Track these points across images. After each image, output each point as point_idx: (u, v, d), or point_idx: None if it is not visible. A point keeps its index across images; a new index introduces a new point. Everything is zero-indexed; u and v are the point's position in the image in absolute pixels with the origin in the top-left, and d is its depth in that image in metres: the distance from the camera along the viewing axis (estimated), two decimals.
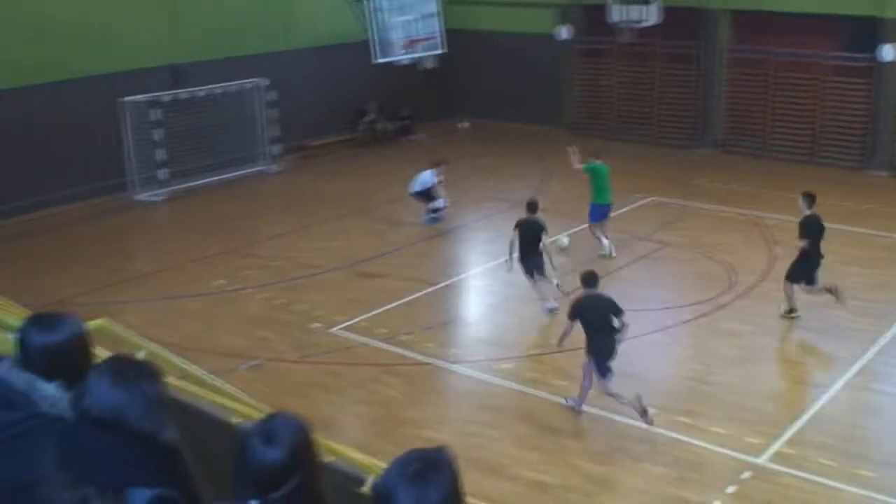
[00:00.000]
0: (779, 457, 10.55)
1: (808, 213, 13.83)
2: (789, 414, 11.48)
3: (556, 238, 16.61)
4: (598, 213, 17.10)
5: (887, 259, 16.47)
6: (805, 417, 11.38)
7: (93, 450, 2.89)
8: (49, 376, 3.40)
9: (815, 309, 14.29)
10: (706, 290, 15.27)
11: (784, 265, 14.39)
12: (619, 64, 25.73)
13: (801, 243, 13.66)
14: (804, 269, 13.75)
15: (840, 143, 22.77)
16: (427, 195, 19.52)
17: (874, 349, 13.02)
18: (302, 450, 2.81)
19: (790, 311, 13.97)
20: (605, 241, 16.88)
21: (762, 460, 10.48)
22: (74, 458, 2.89)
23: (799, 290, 13.88)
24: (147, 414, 2.95)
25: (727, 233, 18.03)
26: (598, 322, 11.13)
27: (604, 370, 11.08)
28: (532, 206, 14.83)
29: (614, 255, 16.80)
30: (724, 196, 20.49)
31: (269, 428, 2.80)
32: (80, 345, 3.49)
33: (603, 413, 11.50)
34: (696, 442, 10.86)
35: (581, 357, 11.46)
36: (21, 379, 3.40)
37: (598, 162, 17.21)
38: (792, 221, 14.50)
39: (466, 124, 26.92)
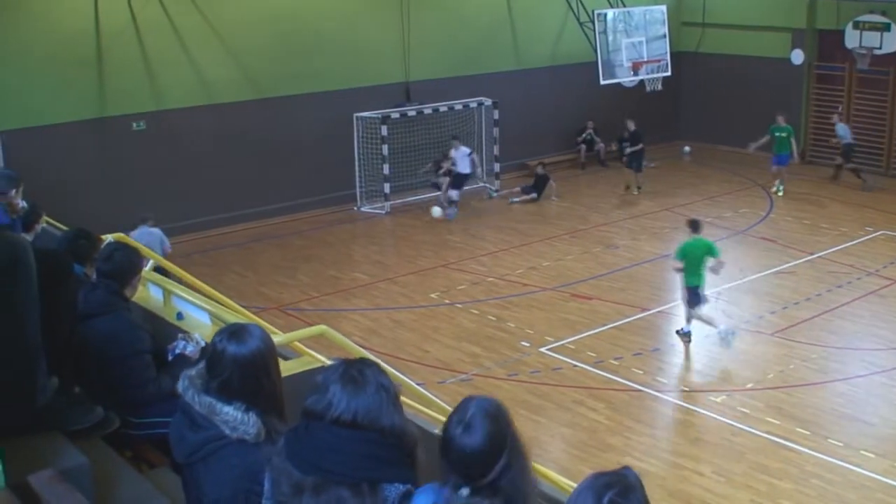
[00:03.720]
0: None
1: None
2: None
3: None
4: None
5: None
6: None
7: (343, 449, 2.98)
8: (230, 392, 3.54)
9: None
10: None
11: None
12: (854, 90, 24.56)
13: None
14: None
15: None
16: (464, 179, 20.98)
17: None
18: (498, 433, 2.86)
19: None
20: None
21: None
22: (324, 459, 3.00)
23: None
24: (392, 410, 3.04)
25: None
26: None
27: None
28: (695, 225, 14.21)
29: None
30: None
31: (465, 416, 2.87)
32: (265, 359, 3.57)
33: (820, 456, 11.02)
34: None
35: (796, 396, 11.02)
36: (202, 402, 3.56)
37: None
38: None
39: (688, 149, 26.40)
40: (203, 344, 5.13)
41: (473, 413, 2.87)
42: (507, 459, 2.84)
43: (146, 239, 12.99)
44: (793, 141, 22.09)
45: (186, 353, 5.12)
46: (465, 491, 2.82)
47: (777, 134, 22.04)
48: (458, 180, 21.06)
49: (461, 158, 20.88)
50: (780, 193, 22.09)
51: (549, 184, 22.36)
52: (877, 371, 13.17)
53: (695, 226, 14.00)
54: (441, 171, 21.37)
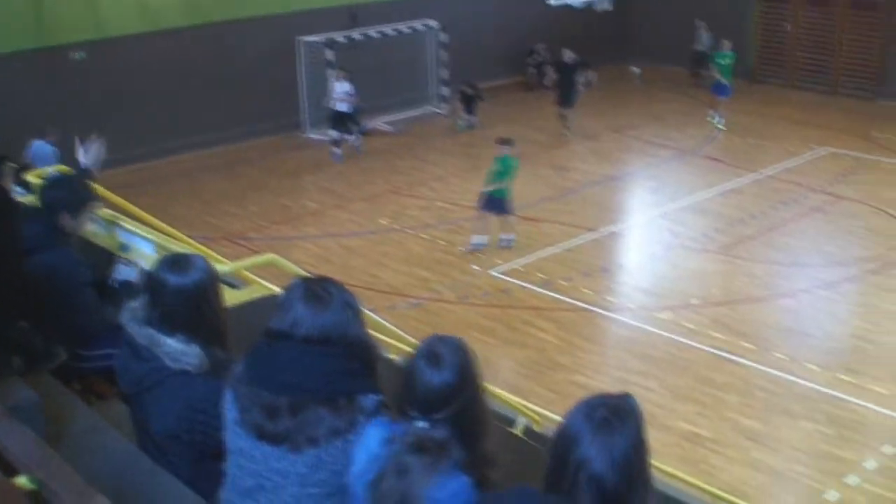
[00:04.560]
0: None
1: None
2: None
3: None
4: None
5: None
6: None
7: (313, 366, 2.99)
8: (171, 324, 3.53)
9: None
10: (879, 247, 14.69)
11: None
12: (800, 9, 24.64)
13: None
14: None
15: None
16: (342, 119, 19.34)
17: None
18: (466, 371, 2.89)
19: None
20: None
21: None
22: (296, 377, 2.99)
23: None
24: (356, 323, 3.07)
25: None
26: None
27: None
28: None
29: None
30: None
31: (435, 351, 2.89)
32: (207, 290, 3.56)
33: (765, 369, 11.32)
34: (855, 401, 10.58)
35: (741, 311, 11.25)
36: (144, 334, 3.56)
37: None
38: None
39: (638, 70, 26.37)
40: (146, 269, 5.10)
41: (443, 351, 2.89)
42: (468, 396, 2.87)
43: (39, 152, 12.77)
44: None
45: (131, 279, 5.09)
46: (422, 424, 2.85)
47: (720, 61, 21.18)
48: (336, 119, 19.41)
49: (338, 94, 19.21)
50: (722, 127, 21.10)
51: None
52: (820, 286, 13.47)
53: (506, 142, 14.71)
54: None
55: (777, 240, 15.26)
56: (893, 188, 17.15)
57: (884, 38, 23.21)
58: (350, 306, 3.07)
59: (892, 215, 15.84)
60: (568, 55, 20.78)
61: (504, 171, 14.55)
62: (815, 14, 24.40)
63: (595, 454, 2.45)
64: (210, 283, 3.60)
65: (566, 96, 20.69)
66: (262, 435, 3.02)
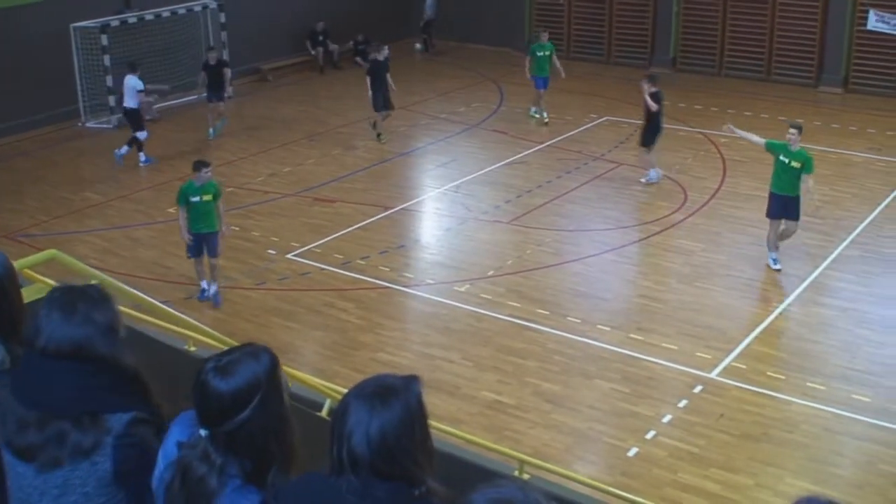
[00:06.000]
0: (730, 371, 10.80)
1: (653, 89, 16.11)
2: (740, 329, 11.71)
3: None
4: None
5: (836, 175, 16.67)
6: (756, 332, 11.64)
7: (60, 382, 2.87)
8: None
9: (767, 225, 14.51)
10: (659, 209, 15.41)
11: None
12: None
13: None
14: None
15: (794, 59, 22.81)
16: (133, 117, 17.82)
17: (824, 265, 13.26)
18: (256, 385, 2.67)
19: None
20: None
21: (713, 375, 10.73)
22: (42, 393, 2.87)
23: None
24: (105, 340, 2.93)
25: (681, 151, 18.12)
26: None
27: None
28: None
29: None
30: (679, 114, 20.51)
31: (226, 361, 2.71)
32: (4, 284, 3.35)
33: (561, 333, 11.66)
34: (648, 358, 11.08)
35: (535, 279, 11.53)
36: None
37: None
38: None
39: (419, 45, 26.59)
40: None
41: (235, 360, 2.70)
42: (254, 413, 2.66)
43: None
44: (555, 58, 19.98)
45: None
46: (202, 432, 2.70)
47: (539, 53, 19.89)
48: (128, 117, 17.95)
49: (128, 91, 17.77)
50: (547, 120, 19.98)
51: (225, 73, 19.14)
52: (607, 250, 14.00)
53: (197, 165, 12.33)
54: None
55: (564, 207, 15.75)
56: (670, 152, 17.91)
57: (655, 9, 24.29)
58: (93, 321, 2.92)
59: (669, 178, 16.63)
60: (384, 52, 19.02)
61: (209, 201, 12.26)
62: None
63: (354, 429, 2.45)
64: (6, 276, 3.35)
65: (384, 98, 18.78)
66: (14, 451, 2.91)
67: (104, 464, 2.87)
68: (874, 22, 21.20)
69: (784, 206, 13.02)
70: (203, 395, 2.68)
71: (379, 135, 18.96)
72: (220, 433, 2.66)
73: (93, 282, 6.38)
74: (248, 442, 2.66)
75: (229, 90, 19.34)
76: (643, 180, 16.56)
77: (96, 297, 3.01)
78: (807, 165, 12.85)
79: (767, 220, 13.30)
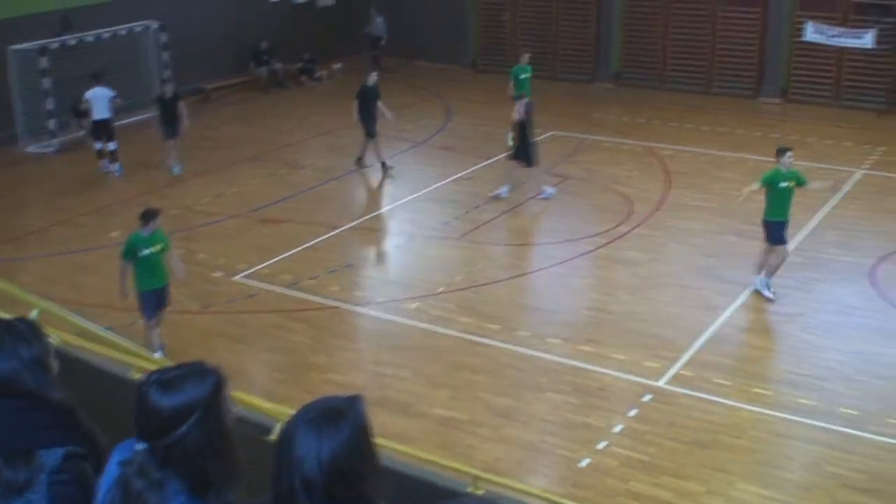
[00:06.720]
0: (678, 379, 10.90)
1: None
2: (687, 337, 11.83)
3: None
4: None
5: None
6: (702, 340, 11.77)
7: None
8: None
9: (711, 235, 14.72)
10: (606, 222, 15.54)
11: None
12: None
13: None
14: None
15: (734, 71, 23.20)
16: (107, 128, 18.00)
17: (751, 286, 13.41)
18: (196, 403, 2.66)
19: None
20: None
21: (662, 383, 10.84)
22: None
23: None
24: (32, 375, 2.89)
25: (626, 164, 18.32)
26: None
27: None
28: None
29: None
30: (623, 128, 20.78)
31: (170, 376, 2.69)
32: None
33: (511, 347, 11.69)
34: (598, 369, 11.15)
35: (485, 294, 11.54)
36: None
37: None
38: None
39: (339, 65, 26.20)
40: None
41: (178, 376, 2.69)
42: (192, 430, 2.64)
43: None
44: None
45: None
46: (140, 446, 2.68)
47: (522, 76, 19.48)
48: (97, 128, 18.06)
49: (97, 100, 17.79)
50: (511, 142, 17.66)
51: (180, 107, 18.23)
52: (556, 263, 14.09)
53: (147, 216, 11.17)
54: (81, 114, 18.97)
55: (512, 222, 15.83)
56: (614, 165, 18.21)
57: (598, 25, 24.58)
58: (19, 356, 2.91)
59: (615, 191, 16.79)
60: (373, 77, 18.25)
61: (159, 252, 11.22)
62: (531, 3, 25.47)
63: (305, 455, 2.43)
64: None
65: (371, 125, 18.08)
66: None
67: (39, 501, 2.81)
68: (811, 33, 21.63)
69: (786, 229, 12.81)
70: (142, 407, 2.65)
71: (360, 158, 18.35)
72: (157, 447, 2.63)
73: (33, 312, 6.31)
74: (185, 458, 2.64)
75: (186, 124, 18.34)
76: (492, 194, 16.52)
77: (24, 332, 2.99)
78: (799, 180, 12.71)
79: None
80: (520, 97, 17.89)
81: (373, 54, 25.97)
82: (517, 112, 16.17)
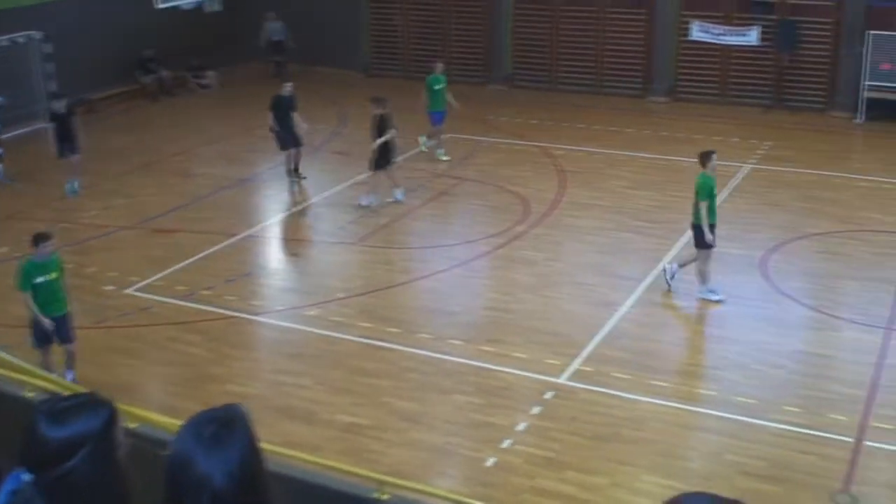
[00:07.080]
0: (578, 375, 11.02)
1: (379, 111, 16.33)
2: (585, 334, 11.96)
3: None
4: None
5: (667, 181, 17.27)
6: (600, 336, 11.92)
7: None
8: None
9: (606, 233, 14.94)
10: (503, 222, 15.63)
11: None
12: (409, 3, 25.66)
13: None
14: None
15: (622, 72, 23.61)
16: None
17: (659, 266, 13.69)
18: (86, 438, 2.57)
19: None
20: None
21: (563, 380, 10.93)
22: None
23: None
24: None
25: (520, 165, 18.47)
26: None
27: None
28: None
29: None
30: (517, 129, 20.95)
31: (61, 407, 2.60)
32: None
33: (413, 350, 11.65)
34: (500, 368, 11.19)
35: (385, 298, 11.49)
36: None
37: None
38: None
39: (212, 72, 25.72)
40: None
41: (68, 407, 2.59)
42: (80, 464, 2.55)
43: None
44: (448, 91, 19.07)
45: None
46: (25, 476, 2.57)
47: (436, 86, 18.96)
48: None
49: None
50: (445, 157, 18.89)
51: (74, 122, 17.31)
52: (455, 265, 14.10)
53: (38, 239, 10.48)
54: None
55: (410, 225, 15.81)
56: (510, 166, 18.34)
57: (489, 27, 24.74)
58: None
59: (511, 191, 16.91)
60: (287, 88, 17.93)
61: (55, 279, 10.63)
62: (422, 8, 25.51)
63: (213, 471, 2.39)
64: None
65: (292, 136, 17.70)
66: None
67: None
68: (697, 32, 22.15)
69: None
70: (30, 437, 2.56)
71: (296, 170, 17.76)
72: (44, 479, 2.53)
73: None
74: (72, 492, 2.55)
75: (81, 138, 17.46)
76: (363, 203, 16.36)
77: None
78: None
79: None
80: (439, 110, 18.57)
81: (275, 60, 25.50)
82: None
